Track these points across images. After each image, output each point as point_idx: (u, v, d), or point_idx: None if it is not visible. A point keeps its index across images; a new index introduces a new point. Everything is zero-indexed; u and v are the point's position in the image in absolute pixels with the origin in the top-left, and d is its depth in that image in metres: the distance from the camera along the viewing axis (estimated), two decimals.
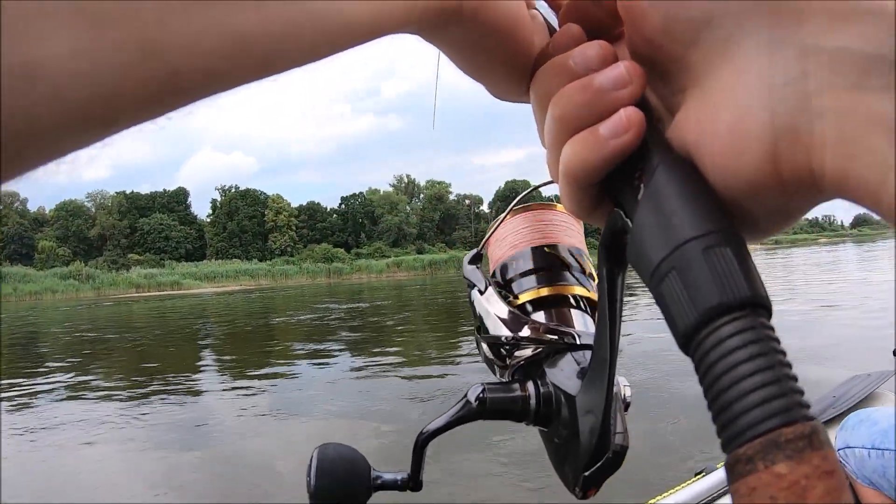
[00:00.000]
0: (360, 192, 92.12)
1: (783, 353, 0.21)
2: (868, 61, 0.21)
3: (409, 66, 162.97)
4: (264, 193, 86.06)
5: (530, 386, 0.47)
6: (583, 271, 0.54)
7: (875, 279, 18.71)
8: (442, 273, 65.30)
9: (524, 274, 0.54)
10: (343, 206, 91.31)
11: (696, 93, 0.27)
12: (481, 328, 0.55)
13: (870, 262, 27.39)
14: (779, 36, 0.23)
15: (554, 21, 0.36)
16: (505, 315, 0.52)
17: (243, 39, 0.20)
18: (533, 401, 0.47)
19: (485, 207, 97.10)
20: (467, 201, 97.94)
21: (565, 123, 0.29)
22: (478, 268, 0.59)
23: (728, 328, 0.22)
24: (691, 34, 0.26)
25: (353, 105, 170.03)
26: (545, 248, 0.55)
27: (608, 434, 0.40)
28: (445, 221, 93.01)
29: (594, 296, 0.53)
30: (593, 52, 0.30)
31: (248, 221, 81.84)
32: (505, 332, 0.52)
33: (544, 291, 0.53)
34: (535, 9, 0.36)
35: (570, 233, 0.56)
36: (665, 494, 2.30)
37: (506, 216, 0.57)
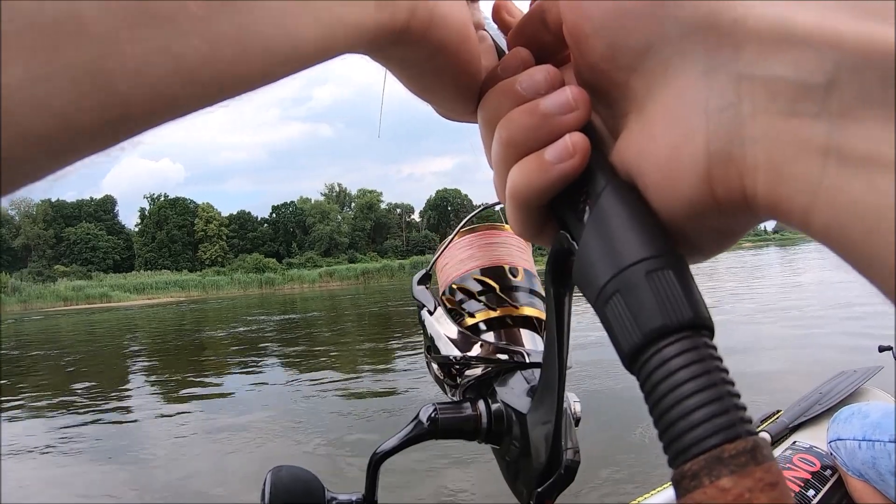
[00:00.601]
0: (292, 202, 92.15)
1: (725, 371, 0.22)
2: (799, 89, 0.21)
3: (343, 72, 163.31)
4: (194, 202, 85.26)
5: (481, 405, 0.48)
6: (532, 292, 0.55)
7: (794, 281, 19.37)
8: (375, 282, 65.43)
9: (474, 295, 0.55)
10: (274, 215, 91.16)
11: (636, 118, 0.27)
12: (431, 348, 0.55)
13: (791, 265, 28.19)
14: (716, 64, 0.24)
15: (502, 43, 0.37)
16: (455, 335, 0.53)
17: (192, 66, 0.20)
18: (484, 419, 0.47)
19: (416, 216, 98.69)
20: (398, 210, 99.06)
21: (512, 147, 0.30)
22: (427, 288, 0.60)
23: (671, 349, 0.23)
24: (633, 61, 0.27)
25: (285, 111, 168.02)
26: (494, 269, 0.55)
27: (559, 450, 0.41)
28: (377, 231, 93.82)
29: (543, 315, 0.54)
30: (540, 77, 0.30)
31: (177, 231, 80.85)
32: (455, 351, 0.52)
33: (494, 312, 0.53)
34: (485, 30, 0.37)
35: (518, 253, 0.58)
36: (651, 493, 2.30)
37: (454, 237, 0.58)
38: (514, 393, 0.47)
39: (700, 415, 0.21)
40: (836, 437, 1.86)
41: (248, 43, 0.21)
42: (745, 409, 0.22)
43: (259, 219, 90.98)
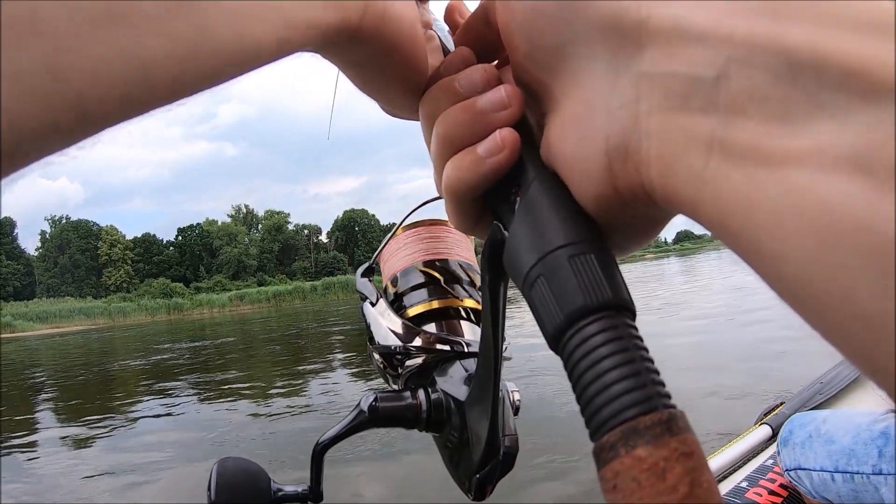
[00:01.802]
0: (198, 224, 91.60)
1: (645, 349, 0.23)
2: (690, 84, 0.22)
3: (248, 88, 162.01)
4: (97, 224, 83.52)
5: (421, 393, 0.49)
6: (472, 284, 0.56)
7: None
8: (287, 304, 65.32)
9: (415, 287, 0.56)
10: (180, 237, 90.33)
11: (553, 116, 0.29)
12: (373, 339, 0.56)
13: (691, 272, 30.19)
14: (619, 64, 0.25)
15: (450, 43, 0.39)
16: (396, 327, 0.54)
17: (148, 65, 0.20)
18: (424, 407, 0.48)
19: (323, 237, 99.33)
20: (306, 231, 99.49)
21: (448, 142, 0.31)
22: (370, 280, 0.60)
23: (591, 328, 0.24)
24: (549, 61, 0.28)
25: (189, 129, 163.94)
26: (436, 262, 0.56)
27: (497, 437, 0.42)
28: (284, 252, 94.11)
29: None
30: (477, 76, 0.32)
31: (80, 255, 79.12)
32: (396, 342, 0.53)
33: (435, 304, 0.54)
34: (432, 30, 0.39)
35: (459, 247, 0.58)
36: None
37: (396, 231, 0.59)
38: (454, 381, 0.48)
39: (617, 388, 0.22)
40: (796, 466, 1.53)
41: (203, 43, 0.21)
42: (662, 384, 0.22)
43: (164, 241, 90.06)
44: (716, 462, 2.09)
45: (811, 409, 2.23)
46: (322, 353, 14.75)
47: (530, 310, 0.27)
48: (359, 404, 0.49)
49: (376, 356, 0.55)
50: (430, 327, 0.53)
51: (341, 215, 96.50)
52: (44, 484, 6.00)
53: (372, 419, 0.48)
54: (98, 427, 8.24)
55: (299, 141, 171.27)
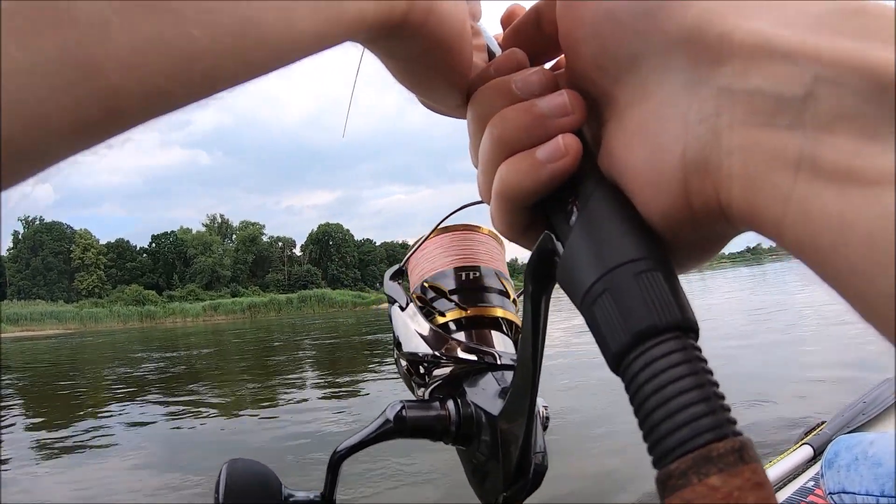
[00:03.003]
0: (172, 231, 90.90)
1: (710, 372, 0.23)
2: (777, 101, 0.22)
3: (225, 96, 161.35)
4: (71, 227, 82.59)
5: (450, 404, 0.47)
6: (504, 294, 0.55)
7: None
8: (262, 316, 64.79)
9: (447, 293, 0.54)
10: (154, 244, 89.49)
11: (618, 126, 0.28)
12: (400, 344, 0.54)
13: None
14: (697, 77, 0.24)
15: (493, 43, 0.38)
16: (426, 332, 0.52)
17: (189, 56, 0.19)
18: (453, 419, 0.46)
19: (297, 250, 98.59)
20: (280, 244, 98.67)
21: (503, 145, 0.31)
22: (399, 284, 0.59)
23: (659, 349, 0.23)
24: (618, 71, 0.28)
25: (164, 135, 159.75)
26: (468, 269, 0.55)
27: (529, 454, 0.41)
28: (258, 264, 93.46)
29: (515, 318, 0.54)
30: (536, 78, 0.31)
31: (53, 258, 77.93)
32: (425, 349, 0.51)
33: (466, 312, 0.53)
34: (478, 27, 0.38)
35: (493, 255, 0.57)
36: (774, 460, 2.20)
37: (430, 235, 0.58)
38: (485, 394, 0.47)
39: (688, 414, 0.21)
40: (839, 490, 1.41)
41: (248, 34, 0.21)
42: (729, 410, 0.22)
43: (138, 248, 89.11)
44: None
45: (854, 430, 2.22)
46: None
47: (589, 327, 0.26)
48: (384, 412, 0.47)
49: (403, 362, 0.54)
50: (460, 336, 0.52)
51: (316, 229, 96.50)
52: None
53: (398, 429, 0.46)
54: (71, 458, 7.36)
55: (274, 152, 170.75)
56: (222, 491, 0.42)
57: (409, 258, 0.60)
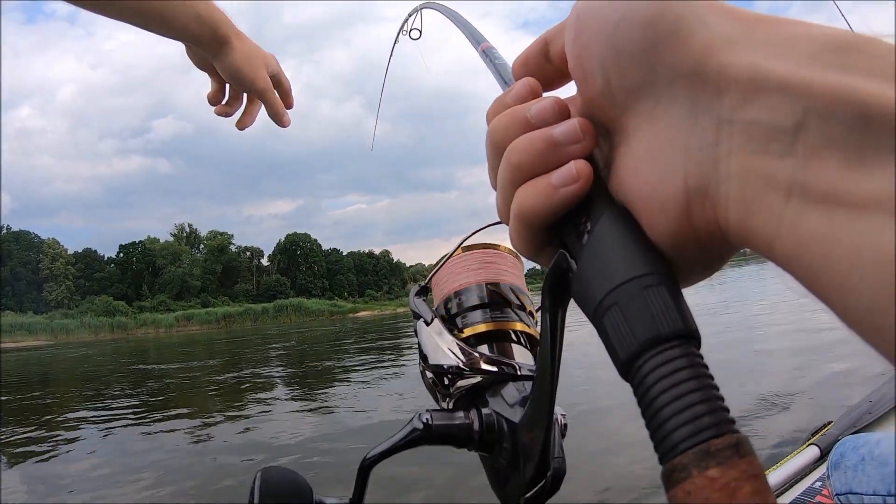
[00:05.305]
0: (140, 241, 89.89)
1: (711, 377, 0.25)
2: (770, 131, 0.24)
3: (185, 105, 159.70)
4: (38, 237, 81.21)
5: (474, 413, 0.49)
6: (523, 308, 0.58)
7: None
8: (238, 326, 63.84)
9: (470, 309, 0.57)
10: (122, 254, 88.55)
11: (625, 152, 0.30)
12: (425, 357, 0.56)
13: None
14: (700, 107, 0.26)
15: (505, 73, 0.43)
16: (450, 346, 0.54)
17: None
18: (476, 427, 0.48)
19: (265, 261, 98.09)
20: (248, 253, 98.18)
21: (520, 170, 0.33)
22: (424, 300, 0.62)
23: (664, 355, 0.25)
24: (626, 99, 0.29)
25: (123, 143, 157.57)
26: (489, 286, 0.57)
27: (548, 459, 0.43)
28: (227, 274, 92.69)
29: (533, 331, 0.57)
30: (550, 107, 0.33)
31: (22, 268, 76.46)
32: (449, 361, 0.54)
33: (488, 326, 0.55)
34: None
35: (512, 272, 0.60)
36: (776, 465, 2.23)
37: (453, 253, 0.61)
38: (507, 403, 0.49)
39: (689, 414, 0.23)
40: (846, 490, 1.37)
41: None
42: (728, 410, 0.24)
43: (106, 258, 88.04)
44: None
45: (861, 429, 2.23)
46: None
47: (600, 337, 0.28)
48: (412, 421, 0.49)
49: (428, 374, 0.56)
50: (483, 348, 0.54)
51: (284, 238, 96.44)
52: None
53: (425, 436, 0.48)
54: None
55: (234, 160, 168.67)
56: (257, 496, 0.43)
57: (432, 276, 0.63)
